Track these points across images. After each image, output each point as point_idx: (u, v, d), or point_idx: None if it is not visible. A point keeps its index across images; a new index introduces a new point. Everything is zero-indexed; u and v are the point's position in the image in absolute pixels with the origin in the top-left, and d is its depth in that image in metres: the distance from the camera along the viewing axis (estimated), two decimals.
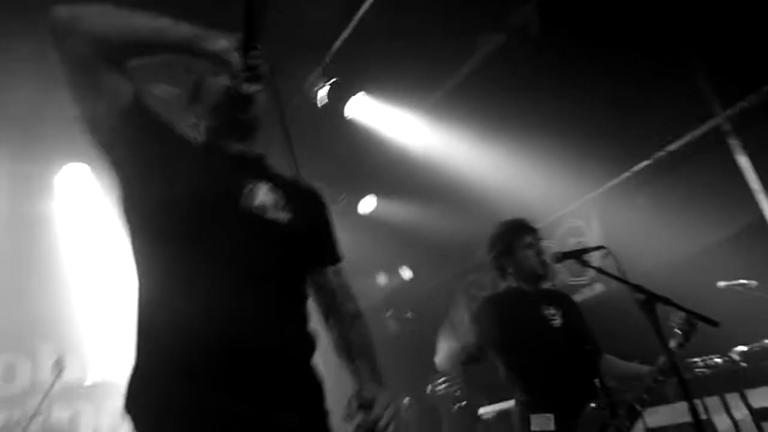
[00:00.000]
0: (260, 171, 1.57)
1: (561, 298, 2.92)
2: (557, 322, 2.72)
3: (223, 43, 1.37)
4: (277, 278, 1.41)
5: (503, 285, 2.93)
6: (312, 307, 1.63)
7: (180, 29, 1.38)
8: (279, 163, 1.71)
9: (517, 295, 2.82)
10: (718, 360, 3.30)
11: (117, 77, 1.39)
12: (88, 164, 5.18)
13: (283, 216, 1.47)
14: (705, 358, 3.34)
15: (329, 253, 1.71)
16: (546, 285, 2.92)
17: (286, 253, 1.46)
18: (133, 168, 1.41)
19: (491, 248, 2.96)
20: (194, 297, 1.29)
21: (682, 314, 2.51)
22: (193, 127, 1.65)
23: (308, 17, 4.57)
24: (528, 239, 2.87)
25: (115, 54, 1.37)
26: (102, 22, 1.34)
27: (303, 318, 1.47)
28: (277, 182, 1.56)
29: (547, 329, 2.69)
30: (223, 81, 1.51)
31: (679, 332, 2.59)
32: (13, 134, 4.71)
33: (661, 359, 2.56)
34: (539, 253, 2.83)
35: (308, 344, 1.45)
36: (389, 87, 5.16)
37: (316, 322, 1.58)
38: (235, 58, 1.36)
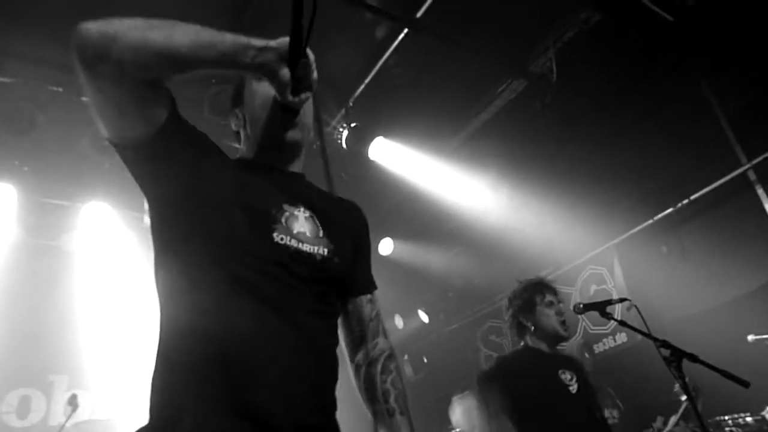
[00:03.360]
0: (299, 193, 1.46)
1: (575, 364, 2.88)
2: (574, 388, 2.68)
3: (269, 55, 1.24)
4: (308, 316, 1.31)
5: (521, 343, 2.90)
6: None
7: (224, 41, 1.23)
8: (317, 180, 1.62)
9: (535, 357, 2.79)
10: (749, 419, 3.16)
11: (154, 96, 1.28)
12: (112, 204, 5.27)
13: (320, 249, 1.37)
14: (735, 416, 3.21)
15: (364, 282, 1.60)
16: (561, 349, 2.91)
17: (319, 289, 1.36)
18: (164, 188, 1.33)
19: (511, 304, 2.97)
20: (215, 329, 1.21)
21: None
22: (235, 135, 1.58)
23: (332, 62, 4.67)
24: (549, 297, 2.87)
25: (155, 74, 1.24)
26: (140, 41, 1.17)
27: (331, 368, 1.36)
28: (316, 206, 1.45)
29: (566, 395, 2.63)
30: (267, 89, 1.39)
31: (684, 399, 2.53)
32: (43, 167, 4.83)
33: None
34: (559, 312, 2.80)
35: (331, 401, 1.34)
36: (410, 131, 5.20)
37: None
38: (283, 70, 1.25)
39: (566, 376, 2.72)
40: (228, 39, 1.23)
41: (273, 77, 1.27)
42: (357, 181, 5.64)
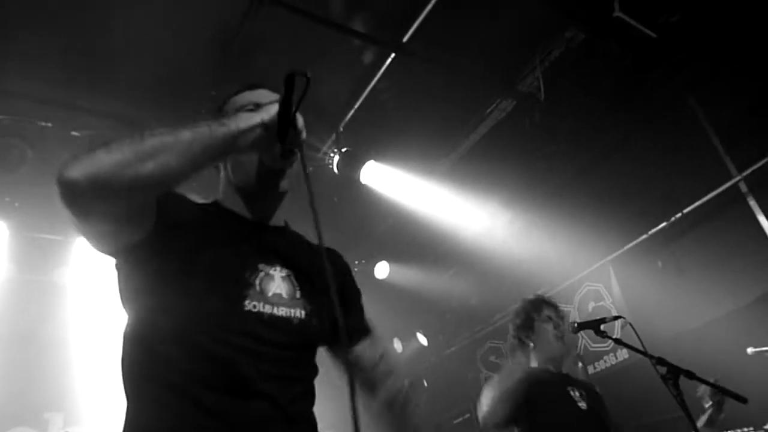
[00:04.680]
0: (278, 249, 1.40)
1: (584, 385, 2.89)
2: (583, 405, 2.68)
3: (258, 132, 1.22)
4: (282, 385, 1.26)
5: (526, 363, 2.89)
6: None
7: (215, 139, 1.17)
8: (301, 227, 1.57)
9: (544, 374, 2.79)
10: None
11: (142, 211, 1.23)
12: None
13: (296, 311, 1.33)
14: (738, 431, 3.16)
15: (357, 331, 1.56)
16: (565, 369, 2.90)
17: (295, 354, 1.32)
18: (140, 272, 1.28)
19: (513, 325, 2.99)
20: (182, 406, 1.18)
21: (706, 387, 2.40)
22: (215, 169, 1.51)
23: (321, 88, 4.70)
24: (547, 313, 2.87)
25: (149, 197, 1.21)
26: (135, 180, 1.10)
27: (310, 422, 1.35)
28: (294, 263, 1.39)
29: (575, 410, 2.64)
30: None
31: (708, 404, 2.48)
32: (34, 202, 4.81)
33: None
34: (557, 326, 2.80)
35: None
36: (401, 154, 5.22)
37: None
38: (274, 145, 1.26)
39: (575, 393, 2.73)
40: (218, 135, 1.18)
41: (263, 152, 1.30)
42: (350, 206, 5.64)
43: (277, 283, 1.33)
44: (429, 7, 4.03)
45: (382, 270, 6.44)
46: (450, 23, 4.22)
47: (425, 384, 7.07)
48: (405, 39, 4.23)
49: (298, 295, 1.35)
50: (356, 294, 1.63)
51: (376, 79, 4.55)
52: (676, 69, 4.37)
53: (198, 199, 1.45)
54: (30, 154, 4.18)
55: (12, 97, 4.01)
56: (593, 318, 2.65)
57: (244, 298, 1.27)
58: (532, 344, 2.85)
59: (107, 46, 3.96)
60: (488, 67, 4.64)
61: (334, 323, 1.40)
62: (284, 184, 1.40)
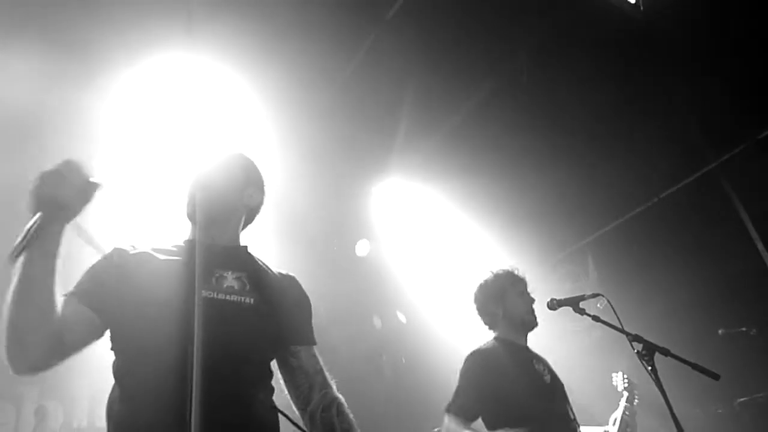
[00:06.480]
0: (231, 261, 1.63)
1: (544, 360, 2.88)
2: (548, 378, 2.70)
3: (48, 226, 1.47)
4: (240, 358, 1.46)
5: (492, 334, 2.88)
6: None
7: (34, 260, 1.44)
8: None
9: (508, 347, 2.76)
10: (720, 411, 3.21)
11: (84, 323, 1.55)
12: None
13: (246, 299, 1.54)
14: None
15: (302, 334, 1.71)
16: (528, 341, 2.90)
17: (249, 331, 1.52)
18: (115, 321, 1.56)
19: (481, 292, 2.95)
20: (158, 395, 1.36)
21: (621, 374, 2.54)
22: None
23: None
24: (520, 287, 2.87)
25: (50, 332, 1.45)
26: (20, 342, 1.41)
27: (266, 401, 1.52)
28: (246, 270, 1.63)
29: (540, 384, 2.64)
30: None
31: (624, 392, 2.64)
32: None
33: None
34: (528, 302, 2.83)
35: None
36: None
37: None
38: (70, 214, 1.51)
39: (540, 366, 2.74)
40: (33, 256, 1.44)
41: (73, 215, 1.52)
42: None
43: (229, 280, 1.57)
44: None
45: (362, 248, 6.44)
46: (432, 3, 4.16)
47: (403, 361, 7.13)
48: (388, 17, 4.16)
49: (247, 288, 1.58)
50: (308, 310, 1.78)
51: (360, 56, 4.48)
52: (659, 52, 4.39)
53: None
54: None
55: None
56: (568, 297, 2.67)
57: (200, 288, 1.42)
58: (501, 313, 2.84)
59: None
60: (471, 47, 4.59)
61: (288, 316, 1.65)
62: (187, 208, 1.72)
